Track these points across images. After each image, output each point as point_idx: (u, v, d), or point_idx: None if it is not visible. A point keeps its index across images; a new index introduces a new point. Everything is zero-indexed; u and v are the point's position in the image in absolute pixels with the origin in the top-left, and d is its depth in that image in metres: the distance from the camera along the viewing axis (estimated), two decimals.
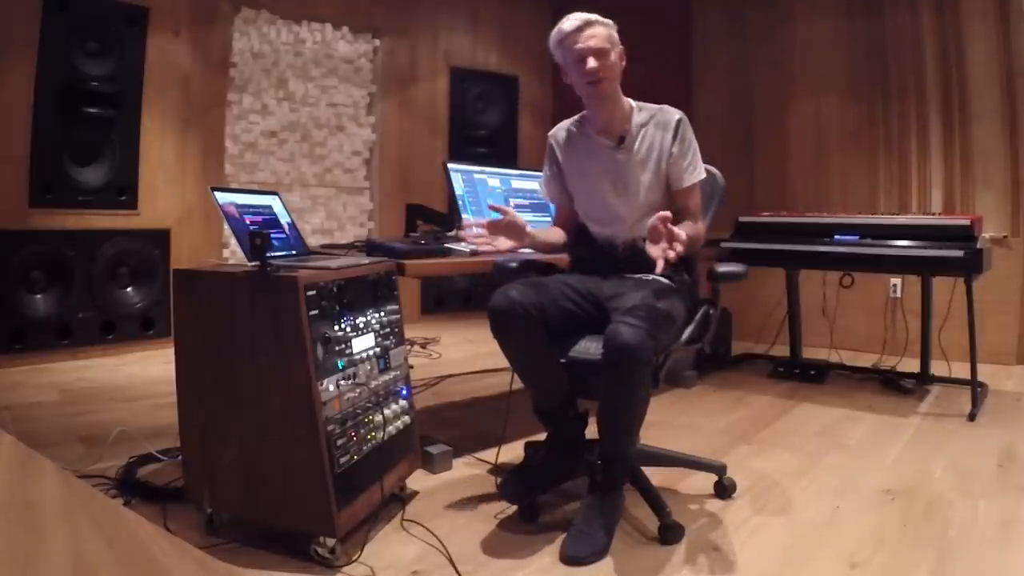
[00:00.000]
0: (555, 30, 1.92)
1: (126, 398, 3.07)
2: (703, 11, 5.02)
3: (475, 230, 1.89)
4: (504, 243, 1.88)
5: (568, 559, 1.65)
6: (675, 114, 1.98)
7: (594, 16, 1.90)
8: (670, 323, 1.74)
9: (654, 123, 1.97)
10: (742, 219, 3.54)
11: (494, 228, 1.88)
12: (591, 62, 1.86)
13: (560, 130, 2.10)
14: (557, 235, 2.12)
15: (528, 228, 1.92)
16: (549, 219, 2.37)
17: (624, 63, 1.94)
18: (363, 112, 5.01)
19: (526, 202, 2.77)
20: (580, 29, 1.87)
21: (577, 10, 1.92)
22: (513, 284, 1.80)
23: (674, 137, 1.95)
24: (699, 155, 1.98)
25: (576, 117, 2.08)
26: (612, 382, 1.68)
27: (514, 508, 1.93)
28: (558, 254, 2.14)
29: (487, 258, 2.11)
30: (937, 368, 3.41)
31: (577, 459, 1.92)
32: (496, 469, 2.23)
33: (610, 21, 1.93)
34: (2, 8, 3.42)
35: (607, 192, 1.99)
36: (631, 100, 2.02)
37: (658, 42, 4.99)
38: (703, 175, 1.99)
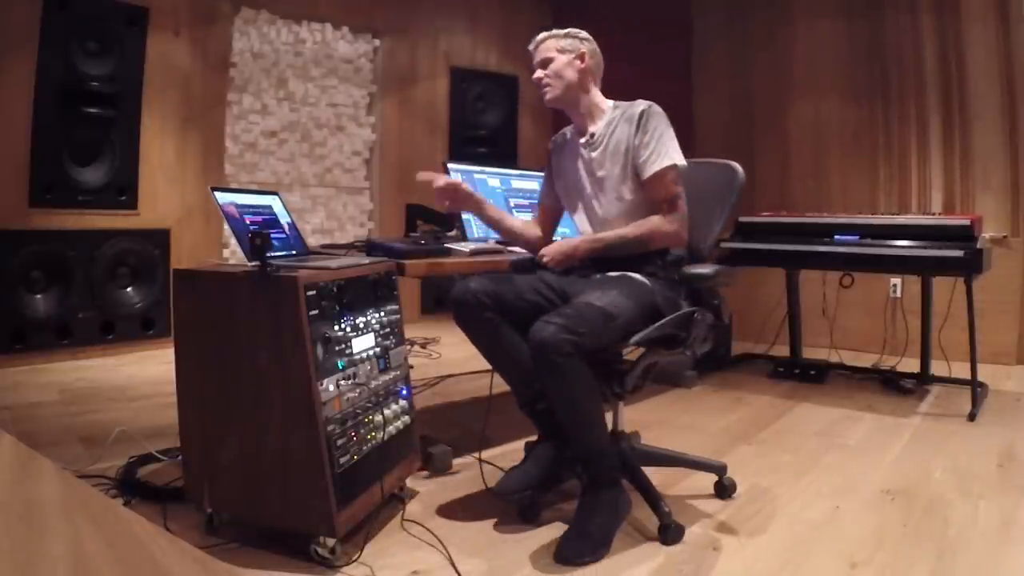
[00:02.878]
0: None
1: (126, 398, 3.07)
2: (703, 12, 5.02)
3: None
4: (452, 205, 2.01)
5: (560, 560, 1.65)
6: (641, 105, 1.98)
7: (548, 32, 2.06)
8: (606, 320, 1.70)
9: (623, 118, 1.99)
10: (742, 219, 3.54)
11: (441, 193, 1.99)
12: (536, 72, 2.04)
13: (557, 136, 2.20)
14: (521, 224, 2.19)
15: (476, 195, 2.06)
16: None
17: (584, 64, 2.02)
18: (363, 112, 5.01)
19: (526, 202, 2.77)
20: (535, 48, 2.07)
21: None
22: (474, 277, 1.87)
23: (637, 128, 1.94)
24: (667, 143, 1.92)
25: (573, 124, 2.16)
26: (544, 380, 1.72)
27: (514, 508, 1.93)
28: (522, 247, 2.19)
29: (492, 258, 2.13)
30: (937, 368, 3.41)
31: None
32: (495, 469, 2.22)
33: (570, 31, 2.05)
34: (2, 8, 3.42)
35: (587, 189, 2.04)
36: (611, 101, 2.07)
37: (658, 43, 5.00)
38: (669, 163, 1.91)
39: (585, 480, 1.79)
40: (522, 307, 1.83)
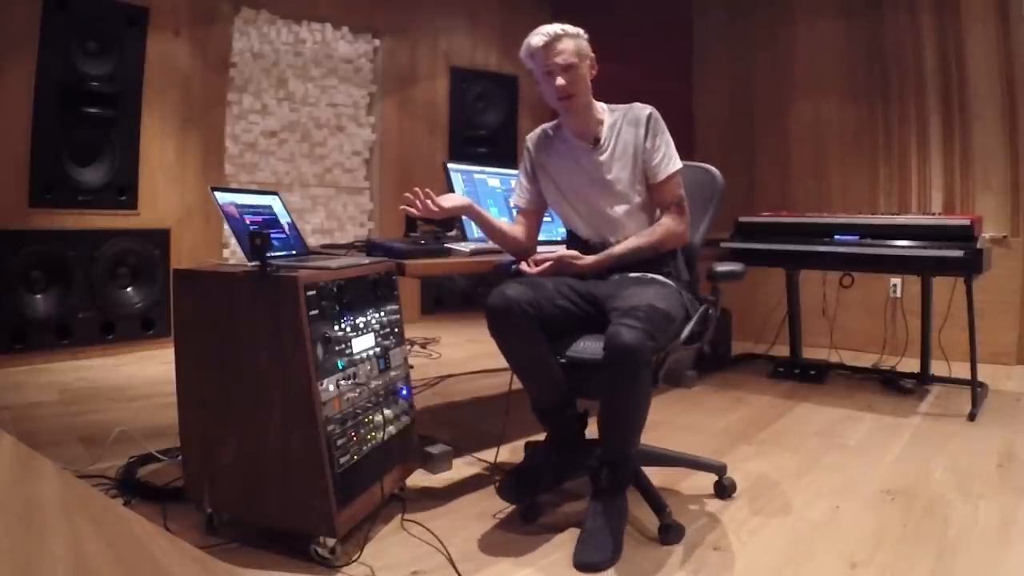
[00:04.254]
0: (525, 43, 1.94)
1: (126, 398, 3.07)
2: (703, 11, 5.02)
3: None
4: (446, 203, 1.93)
5: (583, 566, 1.63)
6: (645, 109, 1.99)
7: (562, 28, 1.92)
8: (668, 323, 1.74)
9: (626, 121, 1.99)
10: (742, 219, 3.54)
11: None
12: (559, 80, 1.90)
13: (537, 134, 2.12)
14: (508, 226, 2.11)
15: (470, 200, 2.03)
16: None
17: (595, 71, 1.97)
18: (363, 112, 5.01)
19: None
20: (548, 45, 1.89)
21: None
22: (510, 283, 1.80)
23: (646, 132, 1.95)
24: (672, 147, 1.98)
25: (554, 122, 2.09)
26: (613, 384, 1.68)
27: (514, 508, 1.93)
28: (509, 251, 2.11)
29: (487, 258, 2.12)
30: (937, 368, 3.41)
31: (577, 459, 1.91)
32: (496, 469, 2.23)
33: (580, 31, 1.95)
34: (2, 8, 3.42)
35: (591, 193, 2.00)
36: (603, 103, 2.04)
37: (658, 42, 5.00)
38: (678, 166, 1.97)
39: (605, 483, 1.74)
40: (554, 314, 1.80)
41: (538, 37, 1.91)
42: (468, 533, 1.82)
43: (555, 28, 1.92)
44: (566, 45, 1.90)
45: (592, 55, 1.97)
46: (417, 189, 1.92)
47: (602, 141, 1.99)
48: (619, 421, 1.73)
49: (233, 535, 1.74)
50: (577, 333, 1.83)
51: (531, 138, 2.12)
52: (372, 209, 5.06)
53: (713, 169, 2.17)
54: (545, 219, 2.70)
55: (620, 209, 1.97)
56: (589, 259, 1.93)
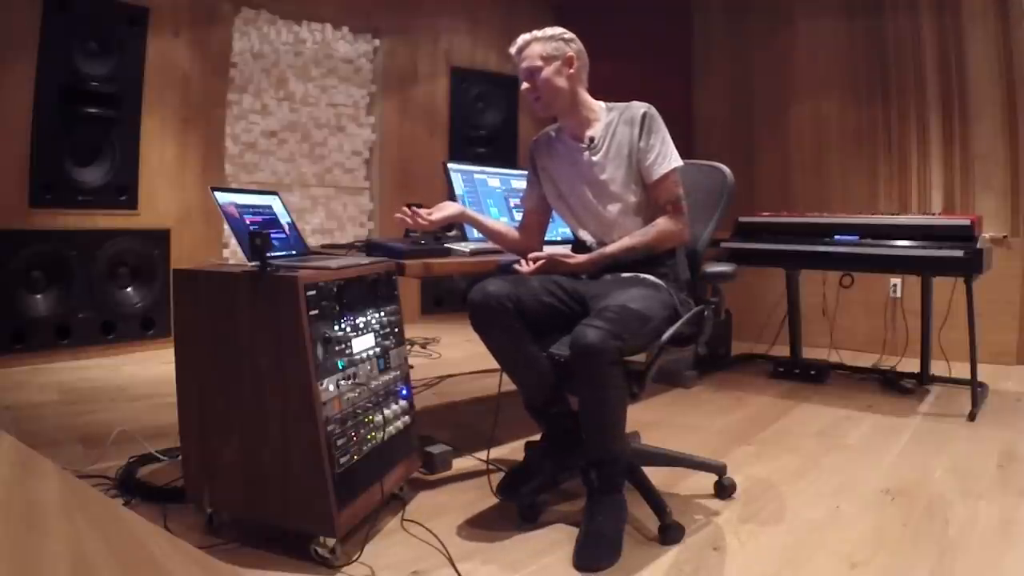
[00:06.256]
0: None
1: (126, 398, 3.07)
2: (703, 11, 5.02)
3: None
4: (436, 215, 1.99)
5: (582, 567, 1.63)
6: (641, 108, 1.97)
7: (532, 35, 1.98)
8: (642, 324, 1.72)
9: (622, 120, 1.98)
10: (742, 219, 3.54)
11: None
12: (524, 85, 1.98)
13: (540, 137, 2.14)
14: (505, 227, 2.15)
15: (461, 207, 2.08)
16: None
17: (572, 69, 1.95)
18: (363, 112, 5.01)
19: None
20: (519, 51, 1.98)
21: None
22: (491, 279, 1.82)
23: (640, 131, 1.94)
24: (669, 145, 1.95)
25: (556, 124, 2.10)
26: (581, 384, 1.69)
27: (514, 507, 1.93)
28: (506, 250, 2.14)
29: (487, 258, 2.12)
30: (937, 368, 3.41)
31: (574, 457, 1.91)
32: (495, 468, 2.22)
33: (556, 32, 1.97)
34: (3, 8, 3.42)
35: (587, 194, 2.00)
36: (602, 102, 2.04)
37: (658, 42, 5.00)
38: (674, 165, 1.94)
39: (596, 484, 1.74)
40: (538, 309, 1.81)
41: (513, 45, 1.99)
42: (468, 533, 1.82)
43: (527, 35, 1.98)
44: (532, 50, 1.95)
45: (568, 53, 1.95)
46: (405, 207, 1.95)
47: (597, 141, 1.98)
48: (595, 420, 1.74)
49: (233, 535, 1.74)
50: (565, 331, 1.82)
51: (534, 141, 2.14)
52: (372, 209, 5.06)
53: (724, 168, 2.15)
54: None
55: (615, 209, 1.97)
56: (580, 258, 1.93)
